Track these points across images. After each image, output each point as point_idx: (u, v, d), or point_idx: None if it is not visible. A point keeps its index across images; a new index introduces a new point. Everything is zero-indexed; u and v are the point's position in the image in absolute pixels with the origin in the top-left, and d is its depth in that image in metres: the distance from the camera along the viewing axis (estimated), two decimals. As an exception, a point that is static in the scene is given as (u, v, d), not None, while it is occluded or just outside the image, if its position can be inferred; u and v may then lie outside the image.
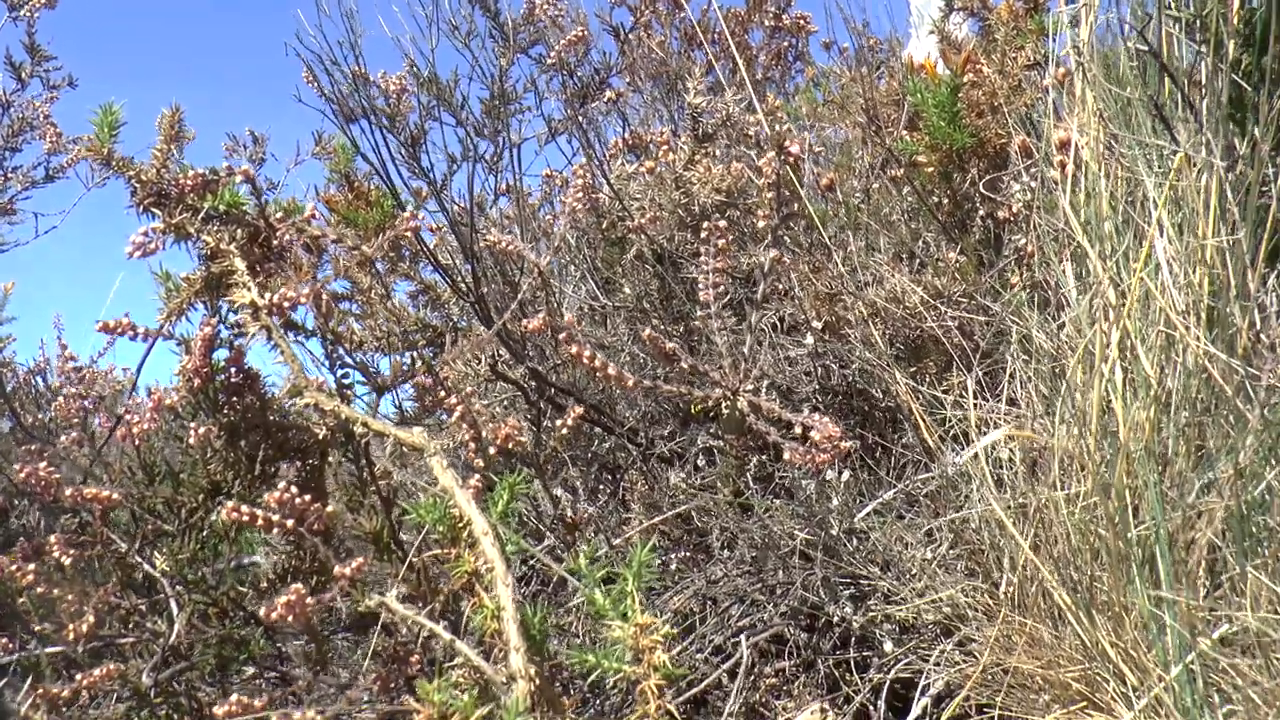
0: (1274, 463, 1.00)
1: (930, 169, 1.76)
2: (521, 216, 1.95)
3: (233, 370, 1.36)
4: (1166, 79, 1.18)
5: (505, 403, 1.87)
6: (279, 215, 1.39)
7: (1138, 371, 1.15)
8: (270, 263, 1.32)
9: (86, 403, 1.72)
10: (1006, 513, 1.25)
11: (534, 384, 1.69)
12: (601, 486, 1.98)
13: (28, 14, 1.96)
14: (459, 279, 1.70)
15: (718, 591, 1.59)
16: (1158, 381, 1.15)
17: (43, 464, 1.33)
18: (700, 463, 1.72)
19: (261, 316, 1.22)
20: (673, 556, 1.57)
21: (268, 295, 1.24)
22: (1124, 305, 1.16)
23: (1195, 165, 1.17)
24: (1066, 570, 1.18)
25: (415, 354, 1.45)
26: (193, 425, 1.26)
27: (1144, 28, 1.18)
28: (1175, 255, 1.18)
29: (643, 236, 1.89)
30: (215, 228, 1.25)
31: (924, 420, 1.53)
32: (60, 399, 1.75)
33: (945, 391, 1.61)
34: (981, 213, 1.78)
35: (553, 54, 2.01)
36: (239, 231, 1.27)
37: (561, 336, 1.29)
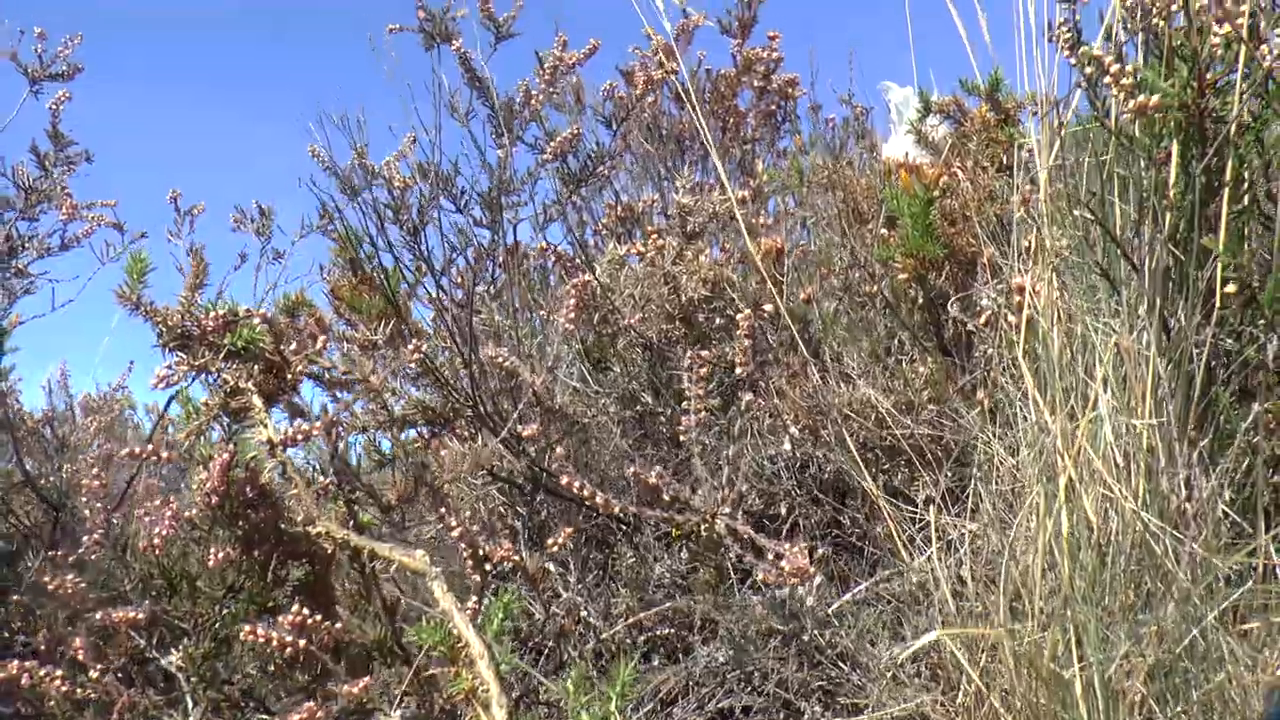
0: (1198, 622, 1.11)
1: (905, 275, 1.86)
2: (515, 313, 2.04)
3: (248, 488, 1.46)
4: (1112, 244, 1.29)
5: (501, 489, 1.97)
6: (288, 316, 1.49)
7: (1081, 516, 1.26)
8: (285, 394, 1.42)
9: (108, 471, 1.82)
10: (959, 635, 1.35)
11: (530, 482, 1.80)
12: (591, 560, 2.09)
13: (53, 105, 2.05)
14: (457, 383, 1.80)
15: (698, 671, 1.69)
16: (1099, 528, 1.26)
17: (70, 575, 1.43)
18: (684, 554, 1.83)
19: (277, 453, 1.33)
20: (655, 656, 1.67)
21: (283, 429, 1.35)
22: (1071, 452, 1.27)
23: (1136, 327, 1.28)
24: (1011, 697, 1.29)
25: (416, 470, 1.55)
26: (213, 549, 1.37)
27: (1093, 200, 1.28)
28: (1118, 407, 1.29)
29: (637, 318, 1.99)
30: (235, 366, 1.35)
31: (893, 522, 1.64)
32: (84, 483, 1.83)
33: (915, 491, 1.72)
34: (954, 314, 1.89)
35: (548, 150, 2.10)
36: (255, 368, 1.37)
37: (554, 467, 1.39)
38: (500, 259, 2.25)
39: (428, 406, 2.10)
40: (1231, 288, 1.09)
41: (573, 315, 1.60)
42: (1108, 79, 1.13)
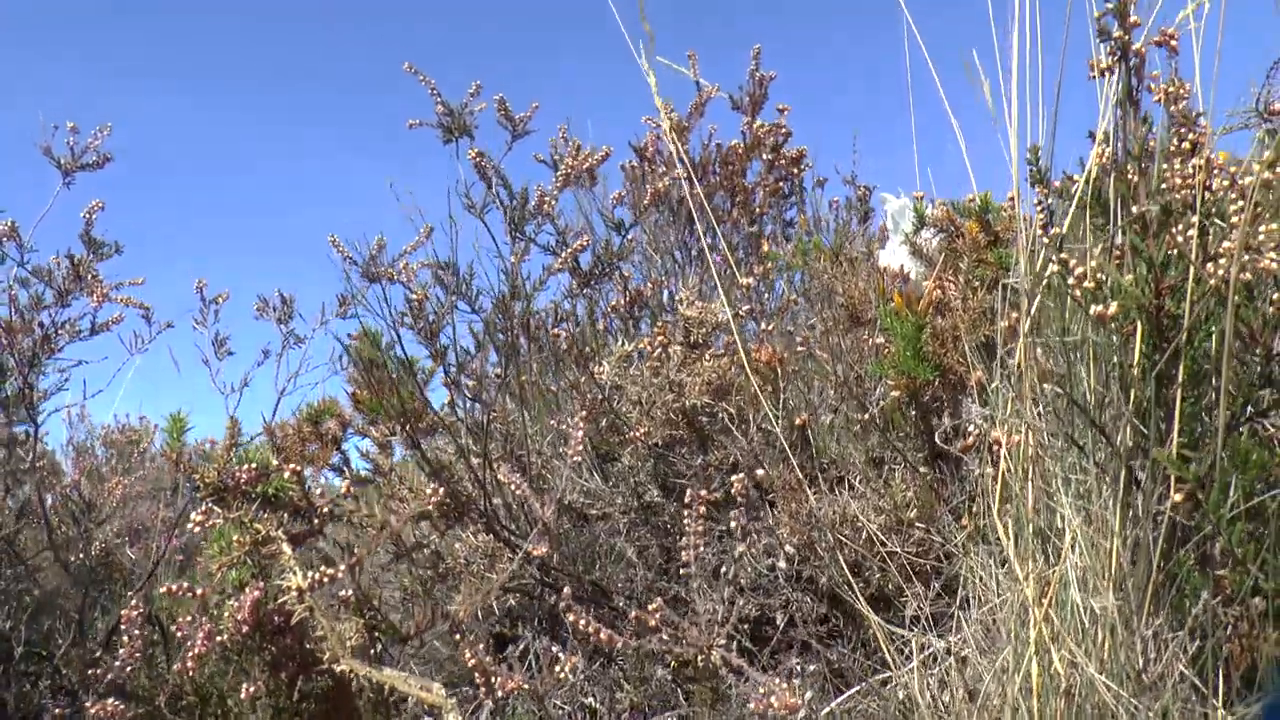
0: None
1: (897, 392, 1.96)
2: (527, 439, 2.15)
3: (276, 617, 1.57)
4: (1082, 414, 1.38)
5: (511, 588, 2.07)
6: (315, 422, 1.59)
7: (1050, 665, 1.36)
8: (313, 536, 1.53)
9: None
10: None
11: (540, 586, 1.90)
12: (597, 650, 2.19)
13: (87, 214, 2.17)
14: (475, 502, 1.90)
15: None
16: (1066, 678, 1.35)
17: (110, 700, 1.55)
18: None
19: (306, 598, 1.43)
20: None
21: (310, 575, 1.45)
22: (1039, 611, 1.36)
23: (1102, 494, 1.37)
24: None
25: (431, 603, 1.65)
26: (244, 685, 1.47)
27: (1065, 378, 1.38)
28: (1086, 568, 1.38)
29: (641, 431, 2.10)
30: (265, 515, 1.46)
31: (881, 635, 1.73)
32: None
33: (904, 602, 1.82)
34: (942, 434, 1.99)
35: (559, 260, 2.20)
36: (285, 515, 1.48)
37: (562, 607, 1.49)
38: (513, 358, 2.36)
39: (444, 501, 2.20)
40: (1178, 496, 1.19)
41: (579, 447, 1.71)
42: (1071, 281, 1.22)
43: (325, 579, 1.45)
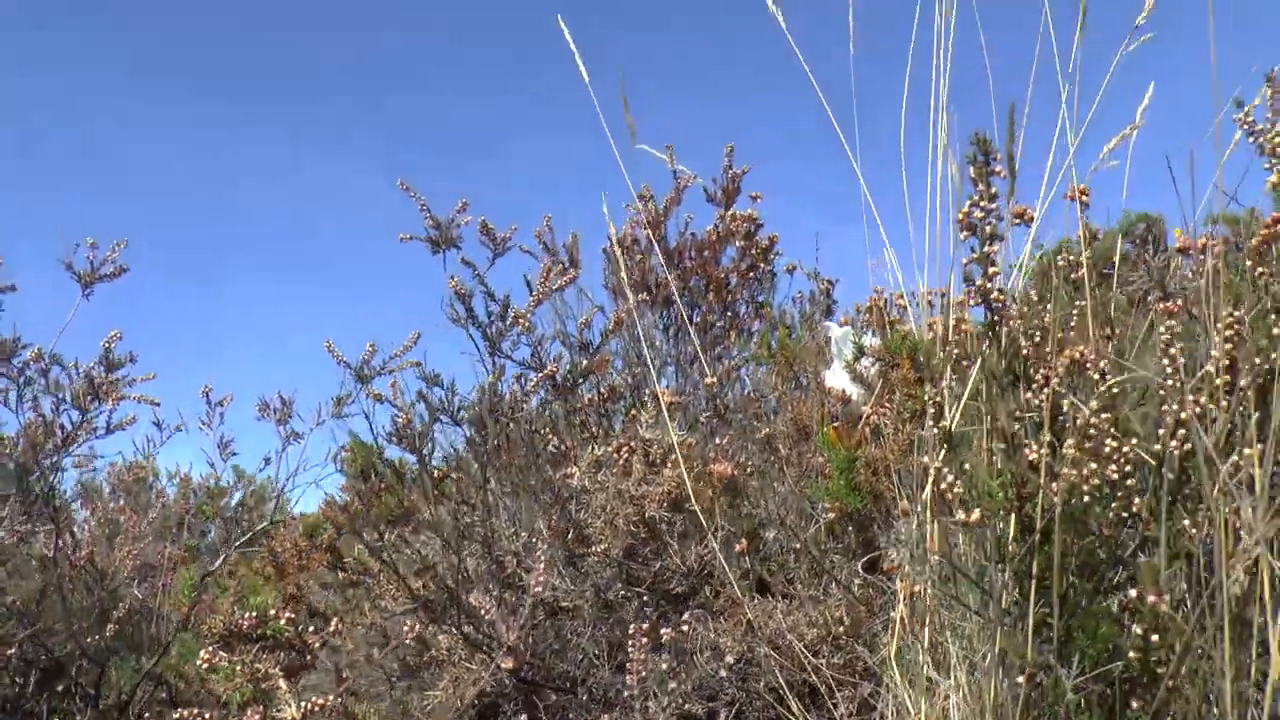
0: None
1: (832, 515, 2.19)
2: (493, 564, 2.38)
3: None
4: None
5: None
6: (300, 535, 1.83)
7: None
8: (307, 669, 1.76)
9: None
10: None
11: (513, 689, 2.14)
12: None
13: (107, 344, 2.40)
14: (450, 617, 2.14)
15: None
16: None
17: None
18: None
19: (298, 729, 1.67)
20: None
21: (303, 704, 1.69)
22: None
23: (983, 649, 1.60)
24: None
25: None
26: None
27: (949, 550, 1.60)
28: (967, 714, 1.61)
29: (604, 544, 2.33)
30: (264, 655, 1.69)
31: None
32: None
33: (835, 705, 2.05)
34: (879, 544, 2.21)
35: (533, 381, 2.43)
36: (282, 655, 1.71)
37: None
38: (491, 466, 2.59)
39: (430, 598, 2.44)
40: (1020, 679, 1.41)
41: (542, 579, 1.94)
42: (943, 486, 1.45)
43: (316, 708, 1.69)
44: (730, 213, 3.54)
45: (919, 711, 1.64)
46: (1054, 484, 1.39)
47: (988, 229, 1.44)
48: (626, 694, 1.84)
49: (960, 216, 1.45)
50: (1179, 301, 1.54)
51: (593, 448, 2.62)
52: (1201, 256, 2.08)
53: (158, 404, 2.82)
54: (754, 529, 2.25)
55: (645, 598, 2.34)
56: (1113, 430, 1.46)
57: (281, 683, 1.70)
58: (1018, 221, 1.95)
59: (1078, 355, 1.63)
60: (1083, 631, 1.49)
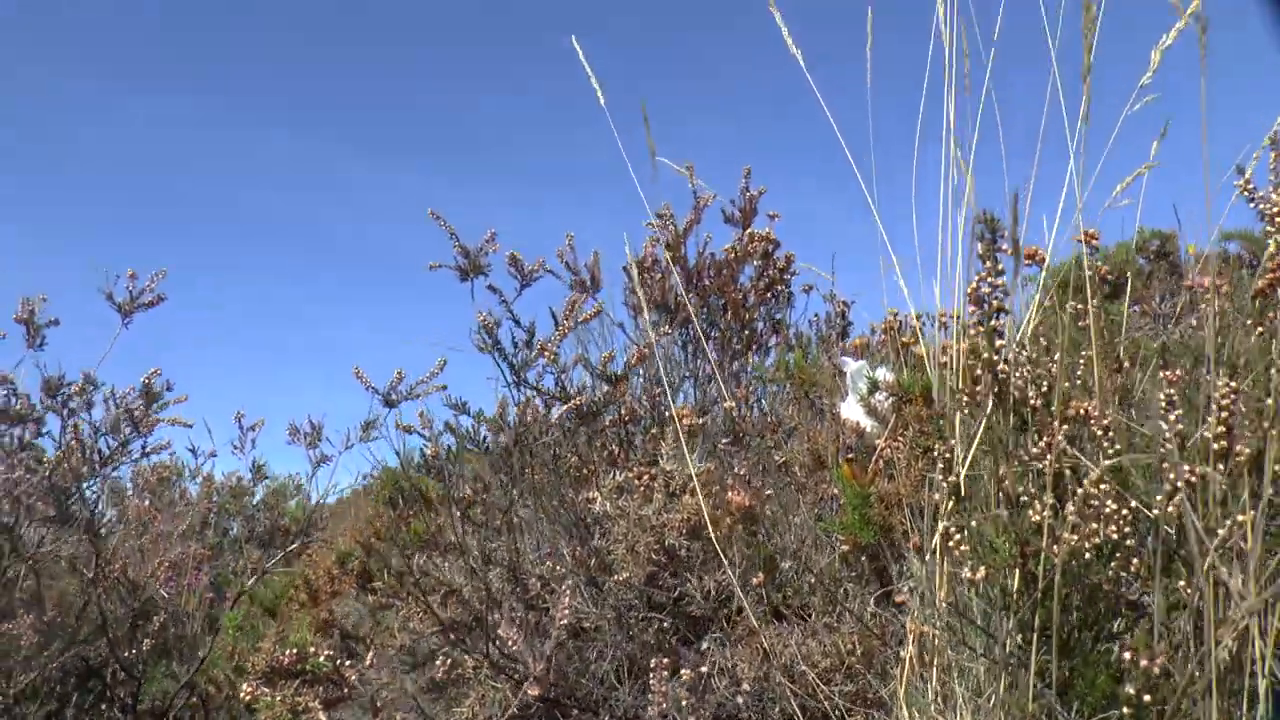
0: None
1: (846, 547, 2.27)
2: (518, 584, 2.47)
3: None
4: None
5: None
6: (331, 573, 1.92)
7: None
8: (343, 701, 1.86)
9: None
10: None
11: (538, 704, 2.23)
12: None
13: (146, 379, 2.50)
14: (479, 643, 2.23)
15: None
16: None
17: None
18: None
19: (337, 761, 1.76)
20: None
21: (341, 738, 1.78)
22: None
23: (990, 690, 1.68)
24: None
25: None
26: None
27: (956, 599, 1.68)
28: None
29: (625, 572, 2.42)
30: (304, 690, 1.79)
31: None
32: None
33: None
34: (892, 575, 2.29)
35: (559, 411, 2.52)
36: (320, 688, 1.81)
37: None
38: (517, 484, 2.68)
39: (456, 621, 2.53)
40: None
41: (567, 609, 2.03)
42: (950, 544, 1.53)
43: (354, 743, 1.78)
44: (748, 232, 3.61)
45: (926, 750, 1.72)
46: (1055, 546, 1.47)
47: (994, 303, 1.52)
48: (647, 725, 1.93)
49: (970, 290, 1.52)
50: (1177, 371, 1.61)
51: (614, 474, 2.71)
52: (1207, 295, 2.14)
53: (190, 425, 2.92)
54: (770, 559, 2.33)
55: (666, 623, 2.43)
56: (1114, 490, 1.54)
57: (321, 715, 1.80)
58: (1029, 262, 2.03)
59: (1081, 411, 1.70)
60: (1082, 680, 1.57)
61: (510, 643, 2.13)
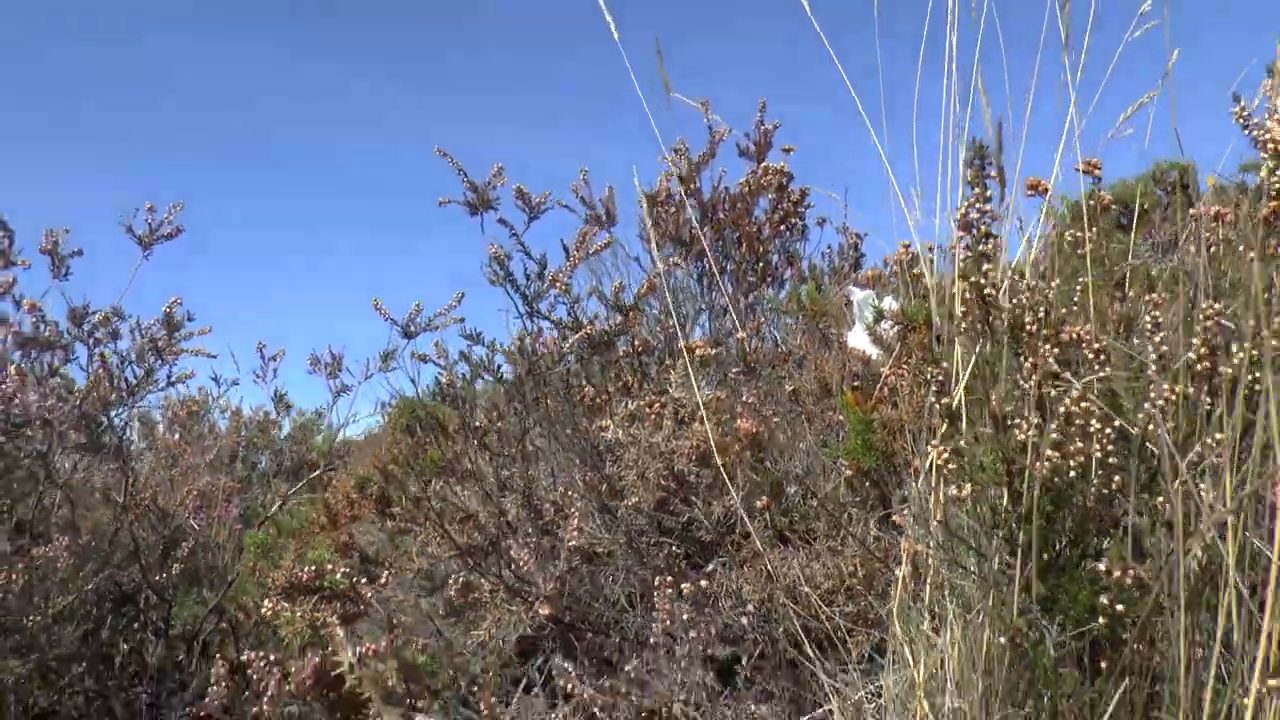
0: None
1: (850, 472, 2.32)
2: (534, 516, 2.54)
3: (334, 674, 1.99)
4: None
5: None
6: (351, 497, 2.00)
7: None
8: (360, 617, 1.94)
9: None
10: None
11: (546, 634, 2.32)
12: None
13: (168, 308, 2.57)
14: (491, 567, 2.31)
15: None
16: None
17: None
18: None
19: (356, 669, 1.85)
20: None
21: (357, 649, 1.87)
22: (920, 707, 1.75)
23: (979, 604, 1.74)
24: None
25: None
26: (308, 735, 1.90)
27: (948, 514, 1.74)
28: (962, 661, 1.76)
29: (635, 497, 2.49)
30: (323, 605, 1.87)
31: (831, 688, 2.13)
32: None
33: (849, 651, 2.21)
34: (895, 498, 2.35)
35: (569, 343, 2.57)
36: (337, 604, 1.89)
37: (556, 669, 1.90)
38: (531, 413, 2.75)
39: (473, 546, 2.61)
40: (1002, 639, 1.55)
41: (576, 531, 2.10)
42: (938, 463, 1.58)
43: (370, 652, 1.87)
44: (763, 166, 3.63)
45: (918, 663, 1.79)
46: (1038, 463, 1.52)
47: (982, 228, 1.55)
48: (653, 640, 2.01)
49: (959, 216, 1.56)
50: (1163, 295, 1.63)
51: (626, 402, 2.77)
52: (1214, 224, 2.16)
53: (215, 356, 3.00)
54: (777, 484, 2.39)
55: (675, 547, 2.50)
56: (1098, 410, 1.57)
57: (338, 630, 1.88)
58: (1031, 193, 2.05)
59: (1075, 335, 1.73)
60: (1066, 594, 1.63)
61: (522, 564, 2.21)
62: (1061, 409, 1.50)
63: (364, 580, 1.94)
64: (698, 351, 2.93)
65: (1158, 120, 1.95)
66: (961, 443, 1.62)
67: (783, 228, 3.58)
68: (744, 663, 2.32)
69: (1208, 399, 1.57)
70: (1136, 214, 2.33)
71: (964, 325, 1.72)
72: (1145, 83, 1.97)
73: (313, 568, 1.87)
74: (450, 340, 2.70)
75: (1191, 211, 2.53)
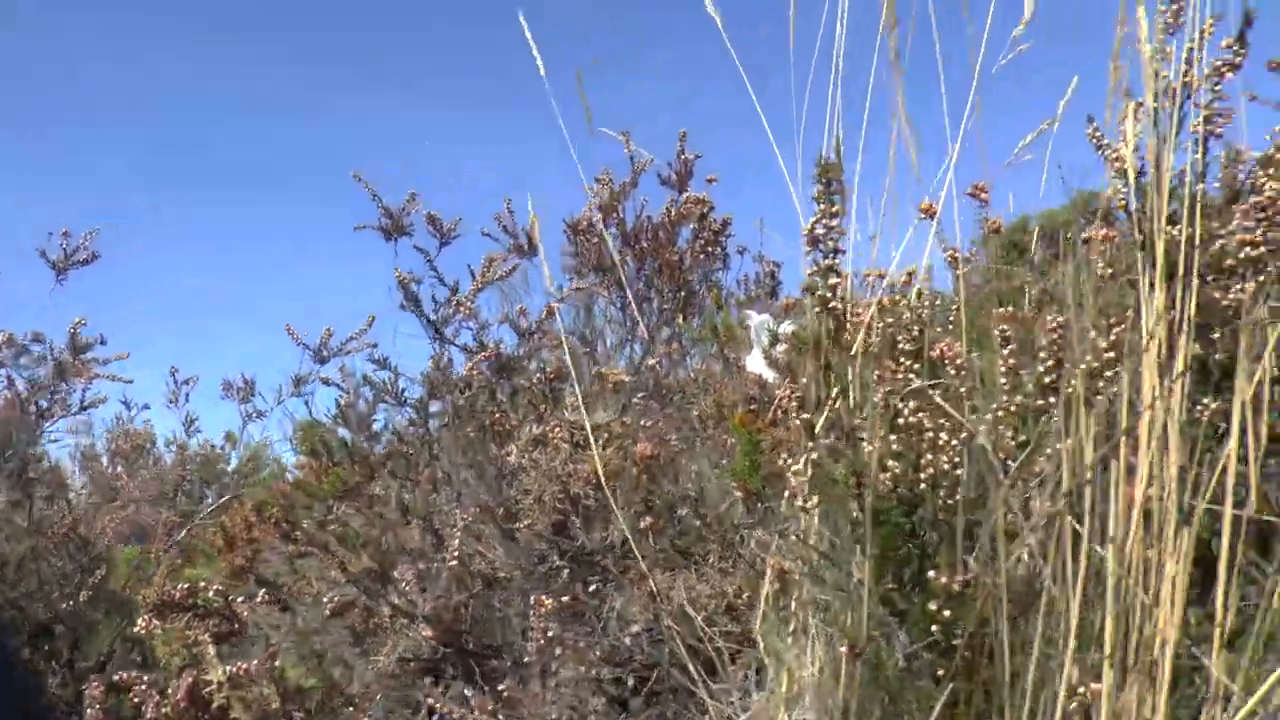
0: None
1: (740, 493, 2.35)
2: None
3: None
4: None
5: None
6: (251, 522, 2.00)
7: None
8: (234, 635, 1.94)
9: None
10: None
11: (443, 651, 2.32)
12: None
13: (72, 329, 2.58)
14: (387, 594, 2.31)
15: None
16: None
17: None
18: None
19: (225, 689, 1.85)
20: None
21: (228, 668, 1.87)
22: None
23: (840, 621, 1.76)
24: None
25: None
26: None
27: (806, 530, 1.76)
28: (822, 677, 1.78)
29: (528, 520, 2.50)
30: (197, 622, 1.87)
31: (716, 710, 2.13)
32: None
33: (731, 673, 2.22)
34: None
35: (470, 364, 2.59)
36: (211, 621, 1.89)
37: (440, 695, 1.90)
38: (435, 439, 2.76)
39: (370, 569, 2.61)
40: (844, 650, 1.58)
41: (456, 553, 2.11)
42: (790, 475, 1.61)
43: (241, 673, 1.87)
44: (686, 196, 3.68)
45: (780, 679, 1.80)
46: (881, 475, 1.55)
47: (830, 243, 1.59)
48: (527, 660, 2.02)
49: (805, 231, 1.59)
50: (1019, 313, 1.67)
51: (531, 427, 2.78)
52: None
53: (130, 382, 3.00)
54: (670, 505, 2.41)
55: (571, 570, 2.51)
56: (950, 423, 1.61)
57: (209, 649, 1.88)
58: (923, 216, 2.09)
59: (941, 351, 1.77)
60: (912, 605, 1.65)
61: (405, 584, 2.22)
62: (901, 421, 1.53)
63: (240, 600, 1.94)
64: (611, 378, 2.96)
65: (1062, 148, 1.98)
66: (814, 457, 1.65)
67: (704, 256, 3.63)
68: (631, 685, 2.33)
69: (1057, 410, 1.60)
70: (1056, 240, 2.39)
71: (823, 344, 1.76)
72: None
73: (185, 586, 1.87)
74: (365, 365, 2.71)
75: (1084, 235, 2.60)
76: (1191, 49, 1.68)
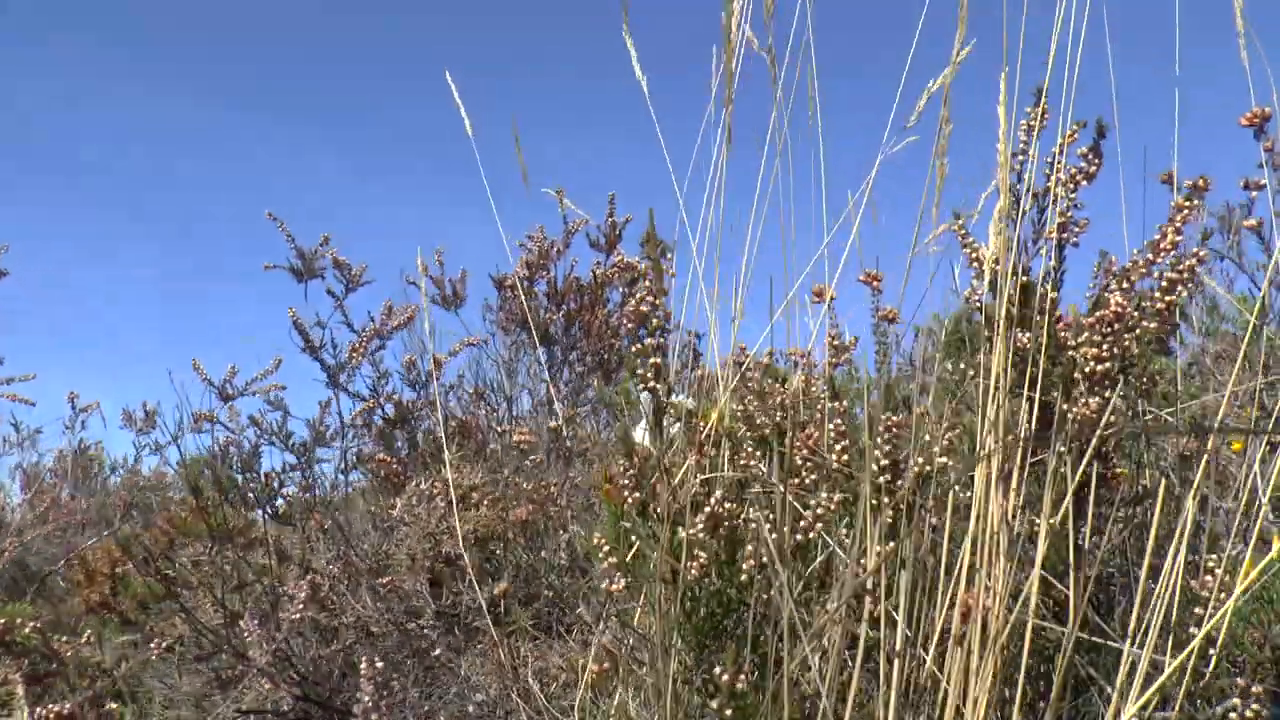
0: None
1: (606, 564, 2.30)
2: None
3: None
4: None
5: None
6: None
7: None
8: (52, 676, 1.90)
9: None
10: None
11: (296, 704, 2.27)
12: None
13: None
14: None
15: None
16: None
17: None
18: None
19: (33, 730, 1.80)
20: None
21: (39, 711, 1.82)
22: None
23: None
24: None
25: None
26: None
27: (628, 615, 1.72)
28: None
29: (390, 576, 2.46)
30: (9, 662, 1.82)
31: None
32: None
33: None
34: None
35: (357, 411, 2.57)
36: (25, 661, 1.84)
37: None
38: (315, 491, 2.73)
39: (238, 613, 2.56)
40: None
41: (300, 608, 2.07)
42: (600, 556, 1.58)
43: (52, 715, 1.81)
44: (616, 258, 3.67)
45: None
46: (690, 564, 1.51)
47: (655, 322, 1.57)
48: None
49: (631, 308, 1.58)
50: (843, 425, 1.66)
51: (418, 482, 2.75)
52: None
53: (34, 404, 2.97)
54: (536, 571, 2.37)
55: (435, 631, 2.46)
56: (768, 517, 1.58)
57: (19, 689, 1.83)
58: (817, 300, 2.08)
59: (806, 440, 1.75)
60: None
61: (247, 635, 2.17)
62: (707, 509, 1.51)
63: (63, 639, 1.89)
64: (517, 437, 2.93)
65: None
66: (632, 539, 1.62)
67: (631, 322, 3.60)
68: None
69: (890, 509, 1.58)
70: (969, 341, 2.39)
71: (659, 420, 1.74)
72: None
73: (3, 621, 1.83)
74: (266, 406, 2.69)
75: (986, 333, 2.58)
76: (1055, 154, 1.67)
